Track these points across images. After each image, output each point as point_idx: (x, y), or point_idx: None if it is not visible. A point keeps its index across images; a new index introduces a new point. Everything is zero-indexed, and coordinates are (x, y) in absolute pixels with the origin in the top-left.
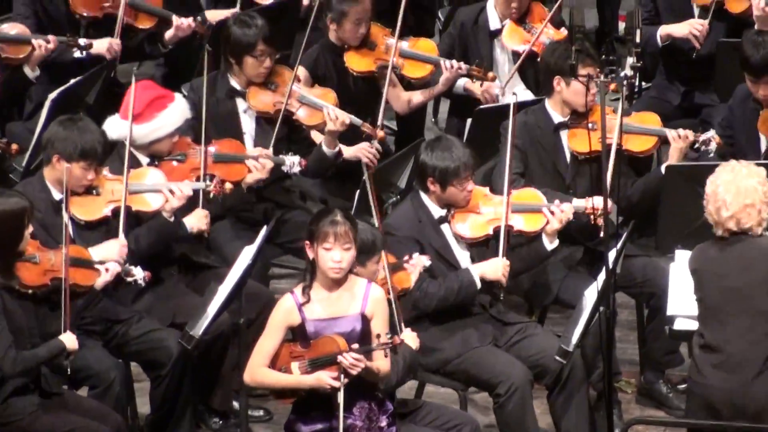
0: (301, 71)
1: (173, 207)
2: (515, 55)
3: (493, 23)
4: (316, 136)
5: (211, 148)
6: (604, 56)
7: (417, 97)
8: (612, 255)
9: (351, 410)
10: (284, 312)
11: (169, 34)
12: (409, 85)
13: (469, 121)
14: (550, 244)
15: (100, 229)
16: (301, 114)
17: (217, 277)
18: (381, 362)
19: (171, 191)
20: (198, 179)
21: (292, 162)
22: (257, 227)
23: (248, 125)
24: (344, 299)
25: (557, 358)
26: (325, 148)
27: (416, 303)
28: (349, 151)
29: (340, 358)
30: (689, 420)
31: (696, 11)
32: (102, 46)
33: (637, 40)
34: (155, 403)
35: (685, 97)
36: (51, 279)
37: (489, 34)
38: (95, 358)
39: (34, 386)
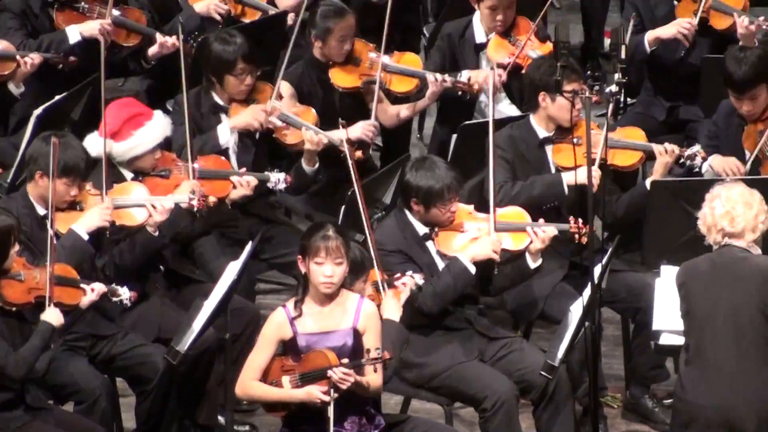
0: (287, 88)
1: (156, 222)
2: (500, 68)
3: (479, 37)
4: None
5: (196, 165)
6: (589, 72)
7: (403, 111)
8: (597, 270)
9: (342, 424)
10: (276, 326)
11: (152, 50)
12: (395, 99)
13: (454, 136)
14: (533, 262)
15: None
16: (281, 132)
17: (202, 292)
18: (371, 377)
19: (153, 206)
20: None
21: (278, 179)
22: (243, 243)
23: (231, 141)
24: (336, 314)
25: (543, 373)
26: (305, 166)
27: (420, 307)
28: (353, 133)
29: (330, 372)
30: None
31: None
32: (93, 27)
33: (623, 56)
34: (141, 419)
35: (670, 113)
36: (35, 297)
37: (475, 48)
38: (81, 373)
39: (19, 401)
